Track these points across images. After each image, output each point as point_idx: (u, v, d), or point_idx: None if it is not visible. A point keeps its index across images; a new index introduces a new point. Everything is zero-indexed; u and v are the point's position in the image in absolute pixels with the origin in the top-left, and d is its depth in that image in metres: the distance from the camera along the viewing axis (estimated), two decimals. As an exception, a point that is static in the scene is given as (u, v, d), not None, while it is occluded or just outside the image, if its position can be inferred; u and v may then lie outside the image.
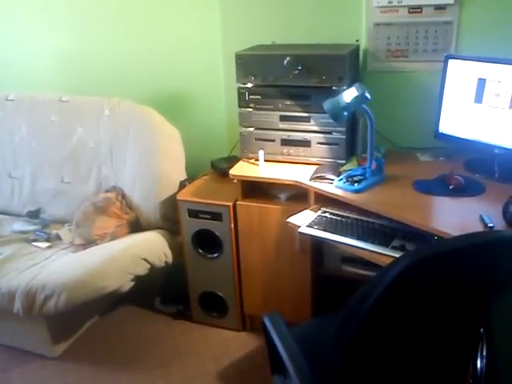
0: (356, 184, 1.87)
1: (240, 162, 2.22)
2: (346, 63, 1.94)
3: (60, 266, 2.18)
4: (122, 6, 2.62)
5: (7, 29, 2.91)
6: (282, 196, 2.14)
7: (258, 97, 2.11)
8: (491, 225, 1.53)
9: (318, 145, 2.09)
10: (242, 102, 2.14)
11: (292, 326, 1.53)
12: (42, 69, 2.91)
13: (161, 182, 2.40)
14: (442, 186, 1.83)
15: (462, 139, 2.01)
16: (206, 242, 2.28)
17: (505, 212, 1.55)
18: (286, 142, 2.13)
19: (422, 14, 2.11)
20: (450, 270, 1.13)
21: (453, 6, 2.05)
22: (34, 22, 2.83)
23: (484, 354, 1.25)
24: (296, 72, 1.99)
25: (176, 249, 2.42)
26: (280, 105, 2.09)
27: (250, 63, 2.06)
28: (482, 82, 1.88)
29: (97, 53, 2.77)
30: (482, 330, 1.29)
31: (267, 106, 2.11)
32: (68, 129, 2.60)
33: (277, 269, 2.21)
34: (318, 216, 1.90)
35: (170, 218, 2.41)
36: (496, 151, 1.91)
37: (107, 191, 2.51)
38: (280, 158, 2.17)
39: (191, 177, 2.46)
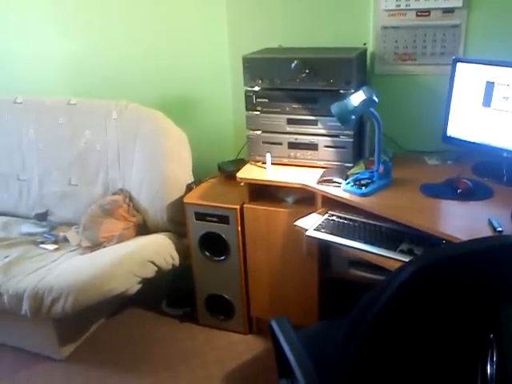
0: (363, 187, 1.87)
1: (247, 165, 2.22)
2: (353, 66, 1.94)
3: (67, 269, 2.19)
4: (129, 11, 2.63)
5: (16, 32, 2.93)
6: (289, 199, 2.14)
7: (266, 100, 2.11)
8: (500, 229, 1.52)
9: (326, 148, 2.09)
10: (250, 105, 2.14)
11: (299, 329, 1.52)
12: (50, 72, 2.93)
13: (168, 184, 2.41)
14: (450, 190, 1.82)
15: (470, 143, 2.00)
16: (213, 244, 2.28)
17: (514, 216, 1.55)
18: (293, 145, 2.13)
19: (430, 17, 2.10)
20: (458, 275, 1.12)
21: (461, 10, 2.05)
22: (42, 26, 2.85)
23: (494, 359, 1.24)
24: (303, 75, 1.99)
25: (183, 251, 2.42)
26: (287, 108, 2.09)
27: (257, 66, 2.07)
28: (490, 86, 1.87)
29: (105, 56, 2.78)
30: (491, 335, 1.28)
31: (274, 109, 2.11)
32: (76, 132, 2.61)
33: (284, 272, 2.21)
34: (326, 219, 1.89)
35: (177, 221, 2.41)
36: (504, 155, 1.90)
37: (114, 194, 2.52)
38: (287, 161, 2.17)
39: (198, 180, 2.46)
